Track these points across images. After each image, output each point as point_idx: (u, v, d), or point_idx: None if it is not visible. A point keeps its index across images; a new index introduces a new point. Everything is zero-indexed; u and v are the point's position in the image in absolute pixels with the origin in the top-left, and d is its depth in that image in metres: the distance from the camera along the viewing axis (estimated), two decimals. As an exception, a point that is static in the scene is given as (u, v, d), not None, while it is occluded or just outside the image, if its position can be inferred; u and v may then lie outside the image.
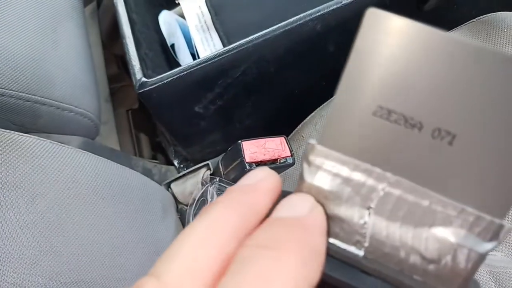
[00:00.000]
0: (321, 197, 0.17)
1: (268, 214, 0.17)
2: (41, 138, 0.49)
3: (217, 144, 0.70)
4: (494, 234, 0.15)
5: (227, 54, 0.54)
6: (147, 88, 0.54)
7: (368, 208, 0.16)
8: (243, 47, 0.54)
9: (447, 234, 0.16)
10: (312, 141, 0.17)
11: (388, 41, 0.15)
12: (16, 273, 0.40)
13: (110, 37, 0.84)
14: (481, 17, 0.58)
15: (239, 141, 0.53)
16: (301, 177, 0.17)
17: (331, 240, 0.17)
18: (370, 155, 0.16)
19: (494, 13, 0.58)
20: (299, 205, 0.16)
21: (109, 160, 0.54)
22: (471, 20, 0.58)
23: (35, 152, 0.47)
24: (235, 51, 0.54)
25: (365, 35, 0.16)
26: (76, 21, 0.67)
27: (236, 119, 0.68)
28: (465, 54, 0.15)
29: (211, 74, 0.55)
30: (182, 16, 0.69)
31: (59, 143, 0.50)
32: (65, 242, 0.44)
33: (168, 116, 0.61)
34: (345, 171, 0.17)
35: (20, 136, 0.47)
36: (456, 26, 0.59)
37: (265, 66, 0.59)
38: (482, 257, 0.16)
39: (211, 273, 0.14)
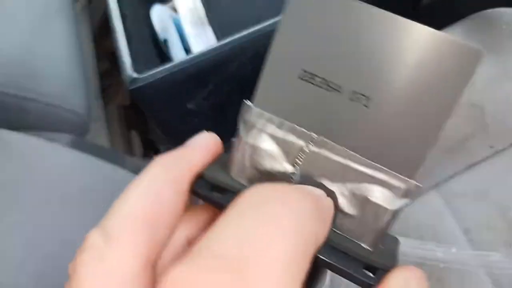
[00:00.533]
0: (255, 154, 0.19)
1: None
2: (28, 136, 0.48)
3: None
4: (406, 192, 0.17)
5: (221, 50, 0.53)
6: (138, 85, 0.52)
7: (295, 164, 0.18)
8: (237, 42, 0.53)
9: (363, 191, 0.17)
10: (248, 102, 0.19)
11: (311, 12, 0.17)
12: (3, 274, 0.39)
13: (102, 32, 0.83)
14: (479, 13, 0.58)
15: (233, 139, 0.52)
16: (238, 135, 0.19)
17: None
18: (298, 116, 0.18)
19: (492, 9, 0.58)
20: (314, 189, 0.17)
21: (99, 159, 0.53)
22: (469, 16, 0.58)
23: (22, 150, 0.46)
24: (229, 46, 0.53)
25: (293, 7, 0.17)
26: (66, 16, 0.65)
27: (230, 116, 0.66)
28: (377, 22, 0.16)
29: (204, 69, 0.54)
30: (175, 11, 0.68)
31: (47, 141, 0.49)
32: (53, 242, 0.43)
33: (160, 113, 0.60)
34: (275, 131, 0.18)
35: (7, 134, 0.46)
36: (454, 22, 0.58)
37: (260, 62, 0.57)
38: (395, 213, 0.17)
39: (147, 216, 0.16)
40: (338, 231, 0.18)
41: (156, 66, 0.54)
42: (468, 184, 0.51)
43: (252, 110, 0.19)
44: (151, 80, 0.52)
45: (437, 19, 0.63)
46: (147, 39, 0.66)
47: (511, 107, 0.52)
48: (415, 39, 0.16)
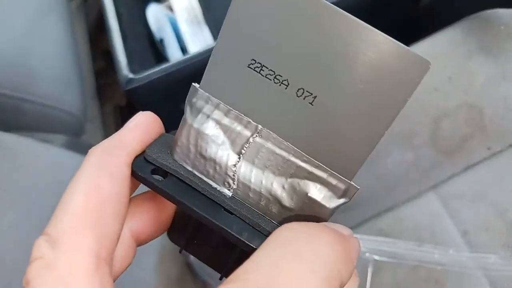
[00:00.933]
0: (199, 139, 0.18)
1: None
2: (23, 136, 0.47)
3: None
4: (344, 192, 0.17)
5: (218, 50, 0.52)
6: (134, 85, 0.52)
7: (239, 154, 0.18)
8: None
9: (303, 186, 0.18)
10: (195, 85, 0.18)
11: (263, 2, 0.16)
12: (-3, 277, 0.38)
13: (98, 31, 0.82)
14: (477, 13, 0.57)
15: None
16: (183, 119, 0.19)
17: (206, 179, 0.19)
18: (244, 105, 0.18)
19: (491, 10, 0.57)
20: (343, 228, 0.17)
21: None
22: (468, 17, 0.57)
23: (17, 150, 0.46)
24: (226, 46, 0.52)
25: None
26: (61, 15, 0.65)
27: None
28: (332, 21, 0.16)
29: (201, 70, 0.53)
30: (171, 10, 0.67)
31: (42, 142, 0.49)
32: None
33: (156, 114, 0.59)
34: (222, 118, 0.18)
35: (1, 135, 0.45)
36: (453, 22, 0.58)
37: (257, 63, 0.57)
38: (332, 211, 0.18)
39: (91, 212, 0.16)
40: (275, 223, 0.18)
41: (152, 65, 0.53)
42: (466, 186, 0.51)
43: (199, 94, 0.18)
44: (147, 81, 0.52)
45: (436, 19, 0.63)
46: (143, 38, 0.65)
47: (509, 108, 0.51)
48: (368, 43, 0.16)
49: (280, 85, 0.17)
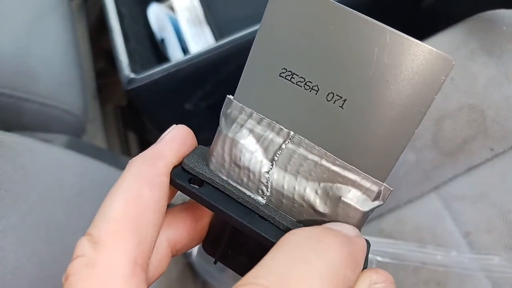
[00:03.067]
0: (234, 148, 0.19)
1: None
2: (23, 136, 0.47)
3: (208, 143, 0.69)
4: (378, 194, 0.18)
5: (219, 50, 0.52)
6: (135, 85, 0.52)
7: (272, 160, 0.19)
8: (236, 43, 0.52)
9: (336, 191, 0.18)
10: (230, 96, 0.19)
11: (293, 12, 0.17)
12: (-3, 277, 0.38)
13: (99, 31, 0.82)
14: (479, 14, 0.57)
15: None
16: (218, 130, 0.19)
17: (240, 188, 0.19)
18: (277, 113, 0.18)
19: (493, 11, 0.57)
20: (349, 229, 0.17)
21: (96, 160, 0.52)
22: (470, 18, 0.57)
23: (17, 150, 0.46)
24: (227, 46, 0.52)
25: (275, 5, 0.18)
26: (62, 14, 0.65)
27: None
28: (356, 26, 0.16)
29: (202, 70, 0.54)
30: (173, 10, 0.67)
31: (43, 142, 0.49)
32: (49, 246, 0.42)
33: (157, 114, 0.59)
34: (255, 127, 0.19)
35: (1, 134, 0.45)
36: (454, 23, 0.58)
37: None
38: (366, 215, 0.18)
39: (131, 218, 0.17)
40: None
41: (153, 65, 0.53)
42: (468, 187, 0.51)
43: (233, 105, 0.19)
44: (148, 81, 0.52)
45: (438, 20, 0.63)
46: (144, 38, 0.65)
47: (511, 109, 0.51)
48: (392, 45, 0.16)
49: (310, 91, 0.17)
